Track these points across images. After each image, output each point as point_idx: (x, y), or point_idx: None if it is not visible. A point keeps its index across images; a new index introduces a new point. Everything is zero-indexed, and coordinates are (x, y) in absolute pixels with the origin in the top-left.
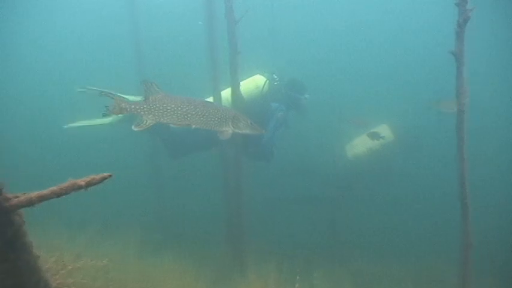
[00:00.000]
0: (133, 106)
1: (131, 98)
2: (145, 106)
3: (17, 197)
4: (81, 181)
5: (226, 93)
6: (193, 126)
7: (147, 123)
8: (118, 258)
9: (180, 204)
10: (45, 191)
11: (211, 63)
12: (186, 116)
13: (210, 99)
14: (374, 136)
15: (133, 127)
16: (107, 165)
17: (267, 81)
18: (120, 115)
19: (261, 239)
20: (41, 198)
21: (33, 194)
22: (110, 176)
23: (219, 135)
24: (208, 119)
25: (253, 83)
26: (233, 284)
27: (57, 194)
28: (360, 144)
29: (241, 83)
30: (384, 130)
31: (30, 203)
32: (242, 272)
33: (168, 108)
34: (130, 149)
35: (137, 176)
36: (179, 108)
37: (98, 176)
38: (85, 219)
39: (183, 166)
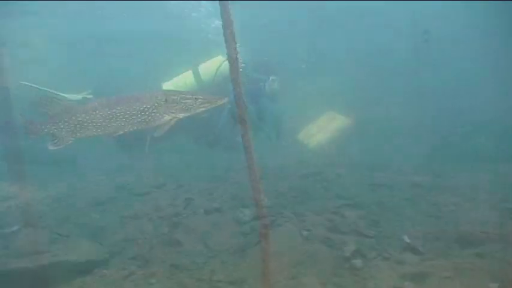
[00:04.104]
0: (40, 126)
1: (71, 96)
2: (52, 124)
3: None
4: None
5: (184, 78)
6: (121, 132)
7: (66, 141)
8: None
9: None
10: None
11: None
12: (105, 123)
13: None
14: None
15: (49, 147)
16: None
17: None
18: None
19: None
20: None
21: None
22: None
23: (155, 131)
24: (133, 117)
25: (214, 65)
26: None
27: None
28: (318, 131)
29: (202, 65)
30: (335, 116)
31: None
32: None
33: (80, 119)
34: None
35: None
36: (93, 116)
37: None
38: None
39: None
